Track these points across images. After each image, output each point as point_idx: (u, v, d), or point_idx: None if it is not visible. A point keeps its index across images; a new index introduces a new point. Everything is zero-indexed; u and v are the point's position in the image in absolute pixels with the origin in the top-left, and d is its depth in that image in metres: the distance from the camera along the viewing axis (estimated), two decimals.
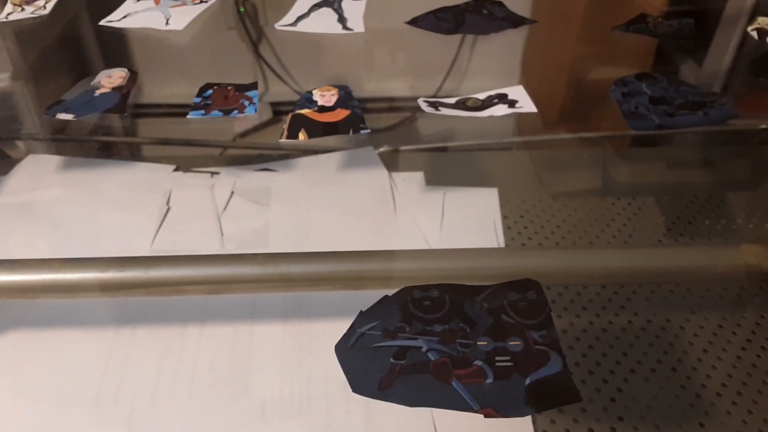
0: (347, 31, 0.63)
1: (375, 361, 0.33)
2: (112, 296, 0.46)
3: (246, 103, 0.51)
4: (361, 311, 0.36)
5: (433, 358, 0.33)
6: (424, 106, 0.51)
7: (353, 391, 0.32)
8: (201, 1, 0.74)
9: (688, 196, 0.64)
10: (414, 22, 0.69)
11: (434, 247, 0.55)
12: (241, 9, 0.95)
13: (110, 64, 0.64)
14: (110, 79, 0.54)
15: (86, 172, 0.66)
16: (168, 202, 0.61)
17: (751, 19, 0.74)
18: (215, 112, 0.50)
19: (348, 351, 0.33)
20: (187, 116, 0.50)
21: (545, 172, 0.70)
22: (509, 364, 0.33)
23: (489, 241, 0.57)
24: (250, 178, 0.65)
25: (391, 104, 0.71)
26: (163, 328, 0.49)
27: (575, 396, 0.31)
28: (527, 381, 0.32)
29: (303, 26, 0.69)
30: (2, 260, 0.41)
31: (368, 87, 0.58)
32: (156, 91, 0.77)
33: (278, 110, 0.85)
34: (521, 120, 0.74)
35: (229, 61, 0.88)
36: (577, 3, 0.87)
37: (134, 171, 0.66)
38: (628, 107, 0.50)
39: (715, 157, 0.72)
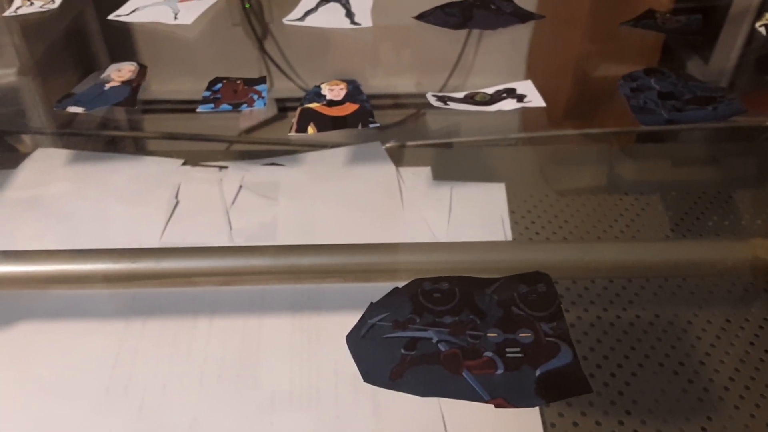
0: (355, 26, 0.63)
1: (386, 352, 0.33)
2: (124, 287, 0.46)
3: (255, 97, 0.51)
4: (371, 302, 0.36)
5: (443, 349, 0.33)
6: (432, 100, 0.51)
7: (364, 380, 0.32)
8: None
9: (695, 193, 0.64)
10: (422, 17, 0.69)
11: (442, 241, 0.55)
12: (247, 5, 0.95)
13: (118, 58, 0.64)
14: (120, 72, 0.54)
15: (95, 165, 0.66)
16: (177, 196, 0.61)
17: (759, 15, 0.74)
18: (224, 106, 0.50)
19: (359, 341, 0.34)
20: (197, 110, 0.50)
21: (552, 168, 0.70)
22: (519, 355, 0.33)
23: (496, 236, 0.58)
24: (258, 173, 0.65)
25: (397, 100, 0.71)
26: (173, 320, 0.49)
27: (586, 387, 0.31)
28: (537, 372, 0.32)
29: (311, 21, 0.69)
30: (14, 251, 0.42)
31: (376, 82, 0.58)
32: (163, 86, 0.77)
33: (284, 106, 0.85)
34: (527, 116, 0.74)
35: (236, 57, 0.88)
36: None
37: (142, 165, 0.66)
38: (637, 102, 0.50)
39: (721, 153, 0.72)
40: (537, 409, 0.45)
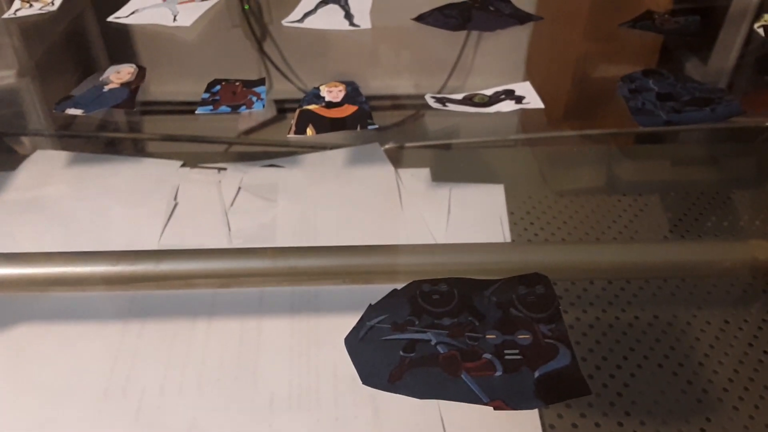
0: (354, 28, 0.64)
1: (384, 354, 0.33)
2: (122, 290, 0.46)
3: (254, 98, 0.51)
4: (370, 305, 0.36)
5: (442, 351, 0.33)
6: (431, 101, 0.51)
7: (363, 383, 0.32)
8: None
9: (693, 194, 0.64)
10: (421, 18, 0.69)
11: (441, 243, 0.55)
12: (246, 7, 0.95)
13: (117, 60, 0.64)
14: (119, 74, 0.54)
15: (93, 167, 0.66)
16: (175, 198, 0.61)
17: (757, 16, 0.74)
18: (223, 108, 0.50)
19: (358, 344, 0.34)
20: (196, 112, 0.50)
21: (551, 169, 0.70)
22: (518, 357, 0.33)
23: (495, 238, 0.58)
24: (256, 174, 0.65)
25: (396, 101, 0.71)
26: (171, 322, 0.49)
27: (584, 389, 0.31)
28: (536, 374, 0.32)
29: (310, 23, 0.69)
30: (12, 254, 0.42)
31: (374, 84, 0.58)
32: (161, 88, 0.77)
33: (282, 108, 0.85)
34: (526, 117, 0.74)
35: (235, 59, 0.88)
36: (582, 0, 0.87)
37: (141, 167, 0.66)
38: (636, 103, 0.50)
39: (720, 154, 0.72)
40: (536, 410, 0.45)
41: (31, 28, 0.79)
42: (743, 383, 0.46)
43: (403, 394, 0.31)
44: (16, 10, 0.77)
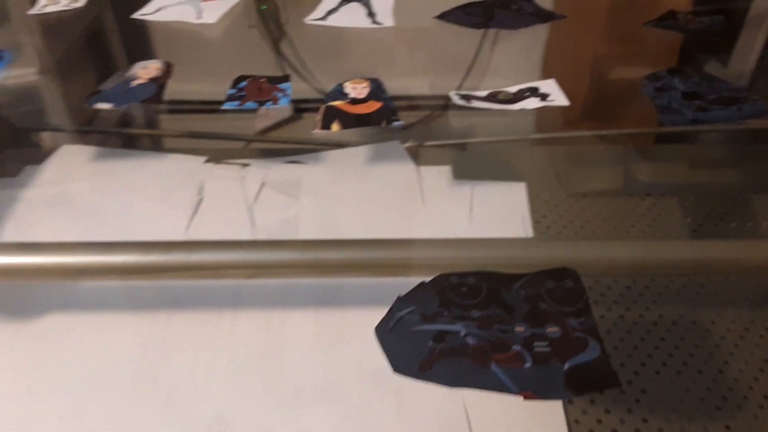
0: (376, 26, 0.64)
1: (414, 344, 0.34)
2: (154, 279, 0.47)
3: (279, 95, 0.52)
4: (399, 296, 0.36)
5: (471, 343, 0.34)
6: (455, 98, 0.51)
7: (394, 371, 0.32)
8: None
9: (715, 195, 0.64)
10: (443, 16, 0.69)
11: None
12: (263, 7, 0.96)
13: (141, 57, 0.65)
14: (146, 70, 0.55)
15: (119, 162, 0.67)
16: (200, 193, 0.62)
17: None
18: (249, 104, 0.51)
19: (388, 334, 0.34)
20: (222, 107, 0.51)
21: (572, 169, 0.70)
22: (547, 349, 0.33)
23: (517, 236, 0.58)
24: (279, 170, 0.66)
25: (415, 101, 0.71)
26: (198, 314, 0.50)
27: (614, 381, 0.31)
28: (566, 366, 0.32)
29: (333, 20, 0.69)
30: (44, 243, 0.42)
31: (397, 81, 0.58)
32: (185, 85, 0.78)
33: (299, 108, 0.86)
34: (546, 116, 0.74)
35: (258, 57, 0.88)
36: None
37: (166, 162, 0.67)
38: (662, 102, 0.50)
39: (742, 156, 0.71)
40: (561, 405, 0.45)
41: (56, 24, 0.80)
42: (765, 389, 0.46)
43: (433, 382, 0.32)
44: (44, 6, 0.78)
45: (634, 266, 0.41)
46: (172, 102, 0.70)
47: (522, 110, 0.50)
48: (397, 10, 0.70)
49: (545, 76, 0.57)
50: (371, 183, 0.65)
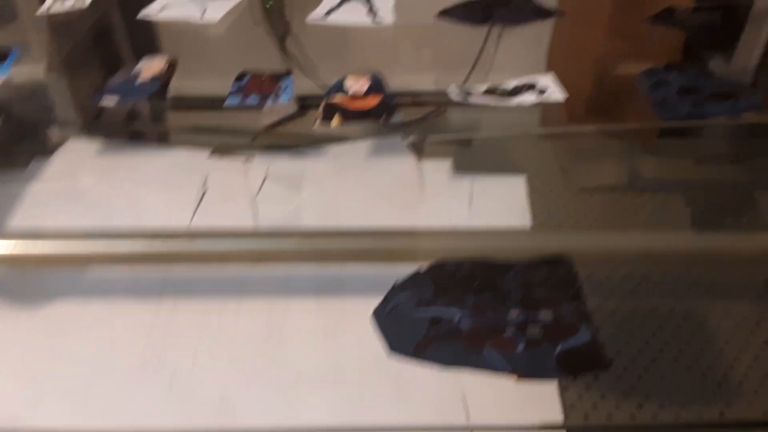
0: (377, 24, 0.65)
1: (410, 328, 0.34)
2: (159, 265, 0.48)
3: (281, 90, 0.53)
4: (395, 282, 0.37)
5: (465, 327, 0.34)
6: (454, 94, 0.52)
7: (390, 353, 0.33)
8: None
9: (717, 190, 0.64)
10: (444, 13, 0.70)
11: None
12: (268, 6, 0.97)
13: (144, 55, 0.66)
14: (151, 67, 0.56)
15: (124, 156, 0.69)
16: (204, 186, 0.63)
17: None
18: (251, 99, 0.52)
19: (385, 317, 0.35)
20: (225, 104, 0.52)
21: (572, 163, 0.71)
22: (540, 333, 0.34)
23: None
24: (282, 164, 0.67)
25: (418, 96, 0.72)
26: (202, 302, 0.51)
27: (603, 363, 0.32)
28: (557, 349, 0.33)
29: (334, 19, 0.70)
30: (53, 231, 0.43)
31: (397, 78, 0.59)
32: (188, 82, 0.79)
33: (304, 104, 0.87)
34: (548, 112, 0.75)
35: (257, 56, 0.89)
36: None
37: (171, 155, 0.68)
38: (657, 97, 0.50)
39: (741, 151, 0.72)
40: (556, 391, 0.45)
41: (63, 24, 0.81)
42: (764, 370, 0.47)
43: (428, 364, 0.33)
44: (49, 7, 0.79)
45: (627, 255, 0.42)
46: (176, 99, 0.71)
47: (519, 106, 0.51)
48: (398, 8, 0.71)
49: (549, 70, 0.58)
50: (372, 177, 0.66)
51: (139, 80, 0.54)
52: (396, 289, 0.36)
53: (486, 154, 0.71)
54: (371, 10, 0.71)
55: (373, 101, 0.51)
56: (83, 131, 0.75)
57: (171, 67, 0.55)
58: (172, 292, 0.51)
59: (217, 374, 0.46)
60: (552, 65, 0.58)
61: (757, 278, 0.54)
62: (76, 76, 0.80)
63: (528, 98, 0.50)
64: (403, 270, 0.40)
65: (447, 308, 0.35)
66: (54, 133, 0.75)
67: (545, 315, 0.34)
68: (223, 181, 0.64)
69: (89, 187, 0.64)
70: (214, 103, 0.71)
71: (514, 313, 0.35)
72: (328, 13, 0.72)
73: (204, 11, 0.73)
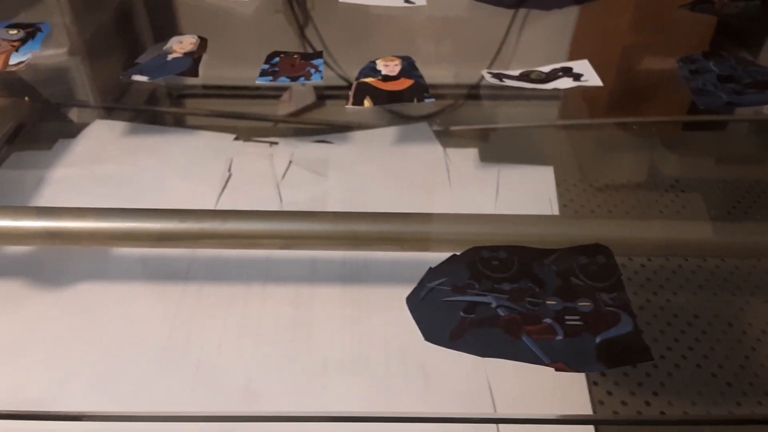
0: (409, 4, 0.64)
1: (445, 314, 0.34)
2: (189, 247, 0.48)
3: (312, 70, 0.52)
4: (430, 267, 0.37)
5: (502, 314, 0.34)
6: (487, 77, 0.51)
7: (425, 339, 0.32)
8: None
9: (744, 186, 0.63)
10: None
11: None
12: None
13: (171, 34, 0.65)
14: (181, 44, 0.55)
15: (150, 137, 0.68)
16: (229, 169, 0.63)
17: None
18: (282, 79, 0.51)
19: (419, 303, 0.34)
20: (256, 81, 0.51)
21: (600, 155, 0.70)
22: (579, 323, 0.33)
23: None
24: (307, 149, 0.66)
25: (448, 82, 0.71)
26: (227, 286, 0.51)
27: (647, 355, 0.31)
28: (597, 339, 0.32)
29: None
30: (80, 208, 0.43)
31: (429, 61, 0.58)
32: (216, 62, 0.79)
33: (321, 94, 0.86)
34: (574, 101, 0.74)
35: (284, 38, 0.89)
36: None
37: (196, 138, 0.68)
38: (696, 84, 0.49)
39: None
40: (585, 386, 0.45)
41: (88, 4, 0.81)
42: None
43: (464, 351, 0.32)
44: None
45: (663, 246, 0.41)
46: (205, 78, 0.71)
47: (555, 89, 0.50)
48: None
49: (573, 57, 0.57)
50: (398, 163, 0.65)
51: (170, 57, 0.53)
52: (430, 275, 0.36)
53: (514, 143, 0.70)
54: None
55: (405, 83, 0.50)
56: (109, 112, 0.75)
57: (202, 45, 0.55)
58: (198, 277, 0.51)
59: (242, 360, 0.45)
60: (582, 50, 0.57)
61: None
62: (102, 57, 0.80)
63: (564, 83, 0.49)
64: (431, 258, 0.39)
65: (483, 295, 0.34)
66: (80, 113, 0.75)
67: (585, 304, 0.34)
68: (248, 165, 0.64)
69: (114, 167, 0.64)
70: (243, 83, 0.70)
71: (552, 302, 0.34)
72: None
73: None
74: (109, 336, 0.47)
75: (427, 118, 0.69)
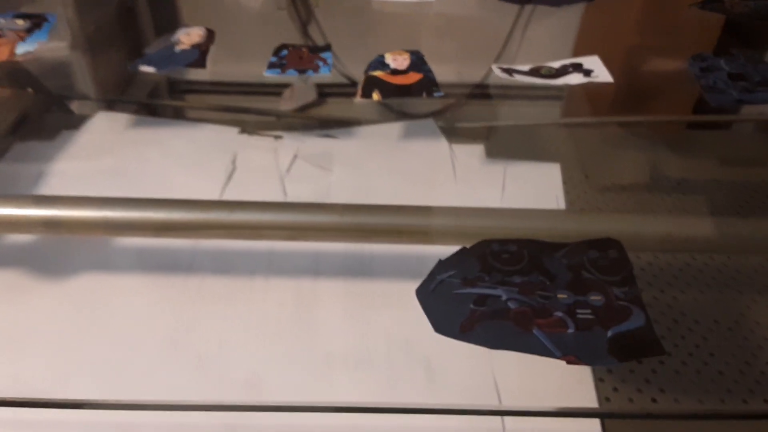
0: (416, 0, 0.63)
1: (455, 306, 0.34)
2: (194, 237, 0.48)
3: (320, 63, 0.52)
4: (440, 260, 0.36)
5: (513, 307, 0.33)
6: (497, 72, 0.51)
7: (435, 331, 0.32)
8: None
9: (752, 185, 0.63)
10: None
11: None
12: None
13: (174, 26, 0.65)
14: (189, 36, 0.55)
15: (153, 130, 0.68)
16: (233, 163, 0.63)
17: None
18: (291, 71, 0.51)
19: (429, 295, 0.34)
20: (264, 74, 0.51)
21: (607, 153, 0.69)
22: (591, 317, 0.33)
23: None
24: (312, 143, 0.66)
25: (457, 76, 0.70)
26: (230, 278, 0.50)
27: (659, 349, 0.31)
28: (609, 333, 0.32)
29: None
30: (83, 197, 0.43)
31: (438, 55, 0.58)
32: (224, 54, 0.78)
33: (323, 92, 0.86)
34: (582, 98, 0.74)
35: (294, 30, 0.88)
36: None
37: (200, 131, 0.67)
38: (707, 82, 0.49)
39: None
40: (592, 382, 0.45)
41: None
42: None
43: (474, 343, 0.32)
44: None
45: (673, 241, 0.41)
46: (212, 72, 0.70)
47: (565, 85, 0.49)
48: None
49: (579, 54, 0.56)
50: (403, 159, 0.65)
51: (178, 48, 0.53)
52: (440, 267, 0.35)
53: (520, 140, 0.70)
54: None
55: (414, 77, 0.50)
56: (112, 104, 0.74)
57: (209, 37, 0.54)
58: (201, 268, 0.50)
59: (245, 352, 0.45)
60: (591, 48, 0.57)
61: None
62: (106, 49, 0.79)
63: (574, 78, 0.49)
64: (437, 252, 0.39)
65: (493, 288, 0.34)
66: (83, 105, 0.75)
67: (596, 298, 0.33)
68: (253, 158, 0.63)
69: (117, 159, 0.63)
70: (249, 76, 0.70)
71: (563, 295, 0.34)
72: None
73: None
74: (111, 327, 0.47)
75: (433, 114, 0.69)
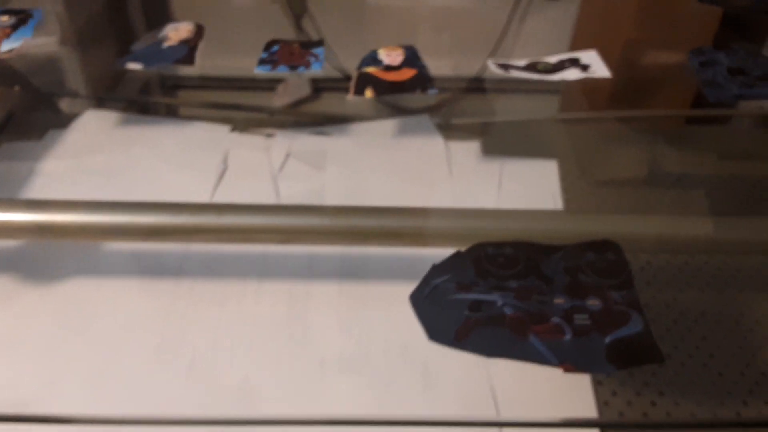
0: None
1: (450, 313, 0.33)
2: (183, 241, 0.47)
3: (312, 59, 0.51)
4: (434, 264, 0.35)
5: (509, 313, 0.33)
6: (493, 67, 0.50)
7: (430, 339, 0.31)
8: None
9: (751, 181, 0.62)
10: None
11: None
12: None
13: (160, 23, 0.63)
14: (177, 32, 0.54)
15: (142, 128, 0.67)
16: (225, 162, 0.61)
17: None
18: (282, 68, 0.50)
19: (423, 301, 0.33)
20: (254, 71, 0.50)
21: (605, 149, 0.68)
22: (588, 322, 0.32)
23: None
24: (305, 141, 0.65)
25: (451, 72, 0.69)
26: (222, 282, 0.49)
27: (657, 356, 0.30)
28: (607, 339, 0.31)
29: None
30: (71, 201, 0.42)
31: (432, 51, 0.57)
32: (213, 51, 0.77)
33: (318, 87, 0.84)
34: (578, 93, 0.73)
35: (279, 29, 0.87)
36: None
37: (191, 129, 0.66)
38: (706, 76, 0.48)
39: None
40: (590, 386, 0.44)
41: None
42: None
43: (470, 352, 0.31)
44: None
45: (672, 242, 0.40)
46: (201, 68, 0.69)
47: (562, 81, 0.48)
48: None
49: (576, 48, 0.55)
50: (398, 156, 0.64)
51: (166, 45, 0.52)
52: (434, 272, 0.34)
53: (516, 137, 0.69)
54: None
55: (407, 73, 0.48)
56: (101, 102, 0.73)
57: (198, 32, 0.53)
58: (192, 272, 0.49)
59: (237, 357, 0.44)
60: (588, 42, 0.56)
61: None
62: (93, 46, 0.78)
63: (572, 74, 0.48)
64: (431, 255, 0.38)
65: (488, 293, 0.33)
66: (71, 103, 0.73)
67: (593, 302, 0.32)
68: (244, 157, 0.62)
69: (105, 159, 0.62)
70: (239, 72, 0.69)
71: (560, 300, 0.33)
72: None
73: None
74: (99, 333, 0.46)
75: (428, 110, 0.68)
